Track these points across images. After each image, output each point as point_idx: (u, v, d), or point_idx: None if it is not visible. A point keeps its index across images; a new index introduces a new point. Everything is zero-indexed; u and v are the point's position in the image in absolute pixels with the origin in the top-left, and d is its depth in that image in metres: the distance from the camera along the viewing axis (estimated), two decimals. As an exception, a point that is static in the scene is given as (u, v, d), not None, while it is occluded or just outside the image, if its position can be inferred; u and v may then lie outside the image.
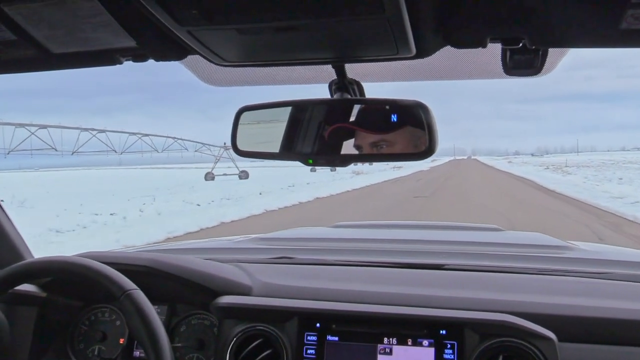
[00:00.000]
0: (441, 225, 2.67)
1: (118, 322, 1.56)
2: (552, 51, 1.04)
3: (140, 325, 1.13)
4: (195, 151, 60.36)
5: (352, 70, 1.10)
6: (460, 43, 0.93)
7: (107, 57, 1.03)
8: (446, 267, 1.61)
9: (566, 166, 48.60)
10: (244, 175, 39.10)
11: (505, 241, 2.08)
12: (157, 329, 1.13)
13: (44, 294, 1.50)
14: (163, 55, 1.03)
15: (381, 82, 1.27)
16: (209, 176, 38.54)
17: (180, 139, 62.04)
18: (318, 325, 1.34)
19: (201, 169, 44.14)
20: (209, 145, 58.49)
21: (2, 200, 1.63)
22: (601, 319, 1.28)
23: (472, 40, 0.91)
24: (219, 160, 44.30)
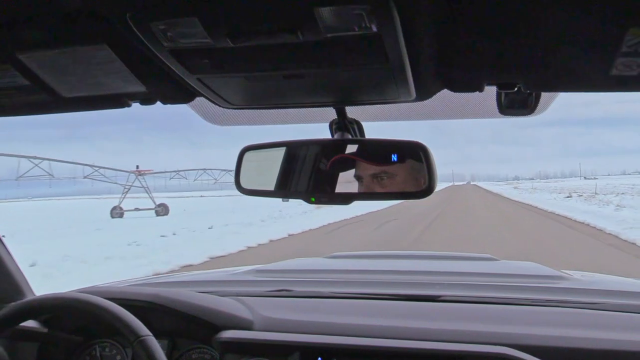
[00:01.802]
0: (436, 256, 2.69)
1: (119, 357, 1.56)
2: (545, 93, 1.08)
3: None
4: (85, 177, 38.38)
5: (353, 109, 1.14)
6: (458, 88, 0.97)
7: (115, 100, 1.06)
8: (442, 298, 1.63)
9: (596, 193, 32.61)
10: (162, 210, 30.04)
11: (500, 271, 2.09)
12: None
13: (45, 330, 1.51)
14: (171, 99, 1.06)
15: (380, 122, 1.31)
16: (116, 212, 29.12)
17: (45, 159, 36.78)
18: (319, 359, 1.35)
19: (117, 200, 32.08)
20: (106, 168, 38.24)
21: (3, 236, 1.64)
22: (595, 350, 1.29)
23: (470, 85, 0.95)
24: (128, 190, 33.61)
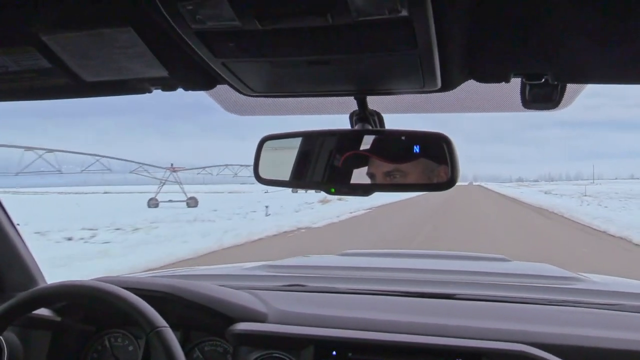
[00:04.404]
0: (448, 255, 2.67)
1: (131, 348, 1.56)
2: (570, 86, 1.06)
3: None
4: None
5: (373, 102, 1.12)
6: (485, 78, 0.95)
7: (137, 85, 1.05)
8: (457, 296, 1.62)
9: None
10: None
11: (514, 272, 2.09)
12: None
13: (58, 318, 1.50)
14: (193, 85, 1.05)
15: (399, 114, 1.29)
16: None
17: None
18: (334, 353, 1.33)
19: None
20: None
21: (18, 224, 1.63)
22: (614, 350, 1.28)
23: (496, 75, 0.93)
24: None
